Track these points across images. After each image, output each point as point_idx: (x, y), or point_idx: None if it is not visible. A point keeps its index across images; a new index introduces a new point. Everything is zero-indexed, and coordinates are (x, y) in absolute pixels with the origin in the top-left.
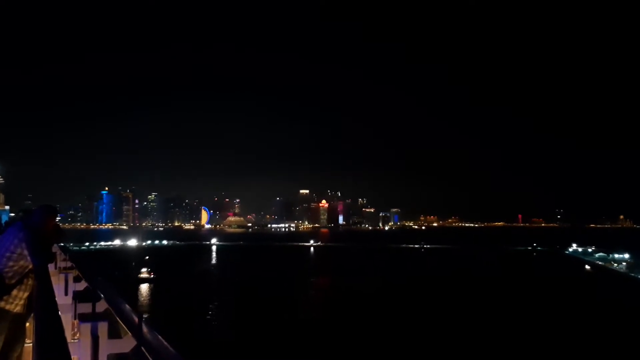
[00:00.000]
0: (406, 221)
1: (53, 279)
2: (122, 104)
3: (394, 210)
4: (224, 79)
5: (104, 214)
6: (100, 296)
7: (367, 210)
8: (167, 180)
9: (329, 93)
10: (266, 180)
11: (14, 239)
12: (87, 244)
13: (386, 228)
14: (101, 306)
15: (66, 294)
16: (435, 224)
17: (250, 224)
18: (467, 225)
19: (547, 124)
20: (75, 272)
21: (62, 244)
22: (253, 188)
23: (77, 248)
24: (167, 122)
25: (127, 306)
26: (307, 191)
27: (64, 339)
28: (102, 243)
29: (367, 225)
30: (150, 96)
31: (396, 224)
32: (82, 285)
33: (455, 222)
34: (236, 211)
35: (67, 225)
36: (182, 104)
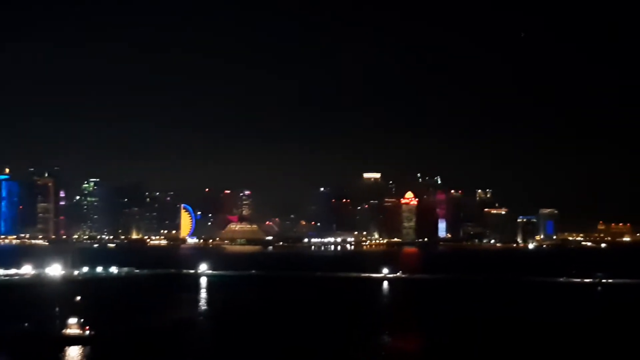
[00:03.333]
0: (569, 233)
1: None
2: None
3: (546, 212)
4: None
5: (2, 217)
6: None
7: (494, 211)
8: (117, 157)
9: None
10: (297, 158)
11: None
12: None
13: (531, 245)
14: None
15: None
16: (627, 238)
17: (270, 237)
18: None
19: None
20: None
21: None
22: (274, 172)
23: None
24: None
25: None
26: (378, 175)
27: None
28: (1, 272)
29: (493, 240)
30: None
31: (550, 237)
32: None
33: None
34: (245, 214)
35: None
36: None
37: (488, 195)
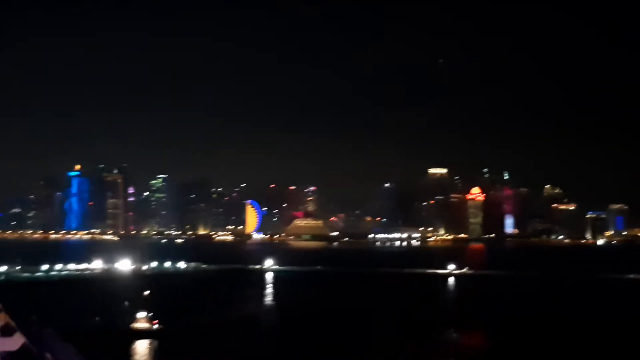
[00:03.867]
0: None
1: None
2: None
3: (615, 207)
4: None
5: (72, 213)
6: None
7: (563, 207)
8: (184, 153)
9: None
10: (363, 154)
11: None
12: (44, 267)
13: (600, 242)
14: None
15: None
16: None
17: (335, 233)
18: None
19: None
20: (2, 318)
21: None
22: (340, 168)
23: (28, 275)
24: (183, 57)
25: None
26: (444, 171)
27: None
28: (72, 266)
29: (561, 237)
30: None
31: (620, 232)
32: (15, 342)
33: None
34: (310, 209)
35: (9, 234)
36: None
37: (556, 191)
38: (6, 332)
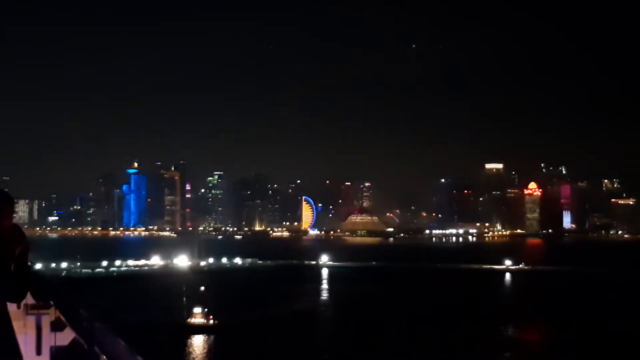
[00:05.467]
0: None
1: (16, 326)
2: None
3: None
4: None
5: (131, 210)
6: (100, 356)
7: (622, 202)
8: (240, 150)
9: None
10: (418, 149)
11: None
12: (104, 264)
13: None
14: None
15: (39, 352)
16: None
17: (391, 229)
18: None
19: None
20: (53, 313)
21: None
22: (395, 164)
23: (89, 271)
24: (236, 57)
25: None
26: (500, 166)
27: None
28: (131, 263)
29: (621, 232)
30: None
31: None
32: (66, 337)
33: None
34: (365, 205)
35: (70, 231)
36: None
37: (615, 185)
38: (57, 327)
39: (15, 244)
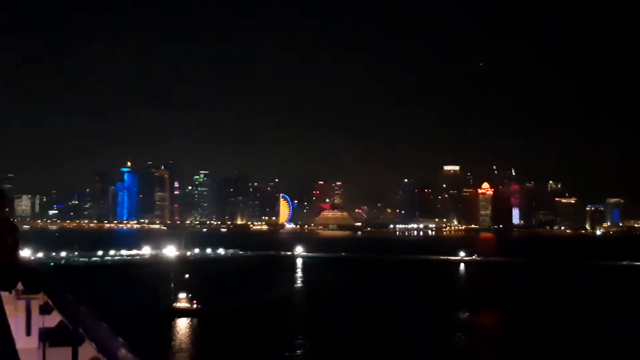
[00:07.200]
0: (635, 220)
1: (8, 309)
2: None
3: (612, 201)
4: None
5: (125, 205)
6: (84, 337)
7: (564, 201)
8: (224, 151)
9: None
10: (385, 152)
11: None
12: (99, 253)
13: (598, 232)
14: (86, 353)
15: (29, 332)
16: None
17: (359, 223)
18: None
19: None
20: (41, 299)
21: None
22: (364, 165)
23: (86, 260)
24: (221, 66)
25: (130, 354)
26: (457, 168)
27: None
28: (124, 252)
29: (563, 227)
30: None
31: (617, 224)
32: (53, 320)
33: None
34: (336, 202)
35: (68, 223)
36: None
37: (559, 186)
38: (45, 310)
39: (7, 235)
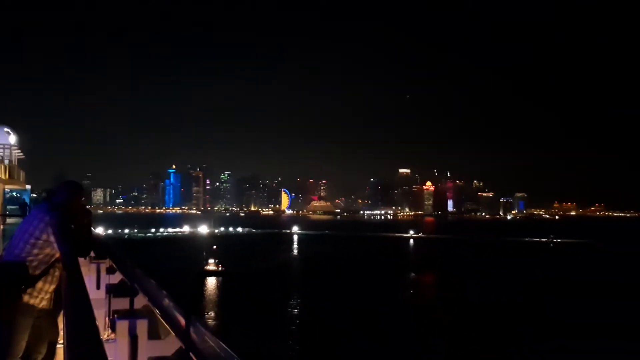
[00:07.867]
0: (535, 209)
1: (83, 270)
2: (189, 70)
3: (519, 195)
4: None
5: (170, 196)
6: (138, 290)
7: (485, 194)
8: (243, 157)
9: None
10: (357, 158)
11: (39, 222)
12: (152, 230)
13: (509, 217)
14: (140, 302)
15: (98, 287)
16: (573, 212)
17: (338, 210)
18: (616, 214)
19: None
20: (108, 262)
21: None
22: (342, 167)
23: (142, 235)
24: (240, 94)
25: (172, 302)
26: (408, 170)
27: (99, 338)
28: (170, 230)
29: (483, 214)
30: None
31: (522, 212)
32: (116, 278)
33: (600, 211)
34: (322, 195)
35: (130, 209)
36: (256, 73)
37: (481, 184)
38: (110, 271)
39: (84, 217)
